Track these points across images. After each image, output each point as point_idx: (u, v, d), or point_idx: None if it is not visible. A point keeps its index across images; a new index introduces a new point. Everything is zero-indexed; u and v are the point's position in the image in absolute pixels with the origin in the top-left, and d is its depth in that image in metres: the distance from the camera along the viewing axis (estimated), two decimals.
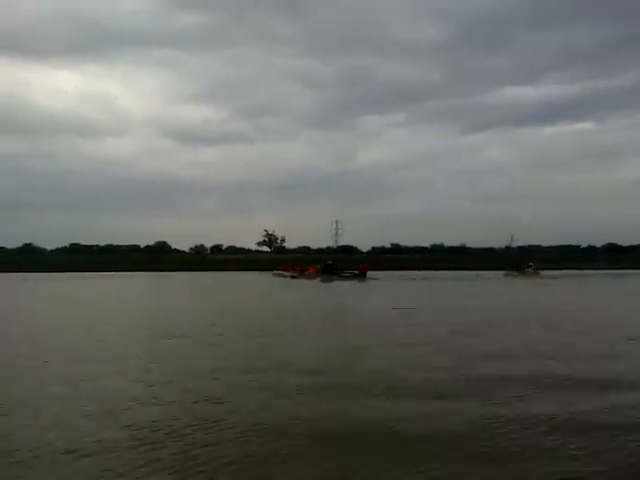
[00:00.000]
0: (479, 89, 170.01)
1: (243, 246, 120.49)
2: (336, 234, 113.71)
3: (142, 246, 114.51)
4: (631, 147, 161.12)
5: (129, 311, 20.74)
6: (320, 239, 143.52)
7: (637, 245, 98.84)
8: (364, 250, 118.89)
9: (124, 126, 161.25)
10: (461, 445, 5.51)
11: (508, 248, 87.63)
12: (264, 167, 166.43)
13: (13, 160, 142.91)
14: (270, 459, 5.15)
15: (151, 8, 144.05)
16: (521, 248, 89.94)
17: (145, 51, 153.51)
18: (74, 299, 27.62)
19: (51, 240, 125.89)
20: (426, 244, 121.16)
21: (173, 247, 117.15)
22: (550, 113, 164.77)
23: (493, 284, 40.53)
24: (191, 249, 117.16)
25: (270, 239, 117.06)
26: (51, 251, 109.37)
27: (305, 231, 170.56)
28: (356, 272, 46.16)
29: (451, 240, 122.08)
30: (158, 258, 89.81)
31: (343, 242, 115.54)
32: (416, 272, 58.34)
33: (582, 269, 66.90)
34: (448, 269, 66.39)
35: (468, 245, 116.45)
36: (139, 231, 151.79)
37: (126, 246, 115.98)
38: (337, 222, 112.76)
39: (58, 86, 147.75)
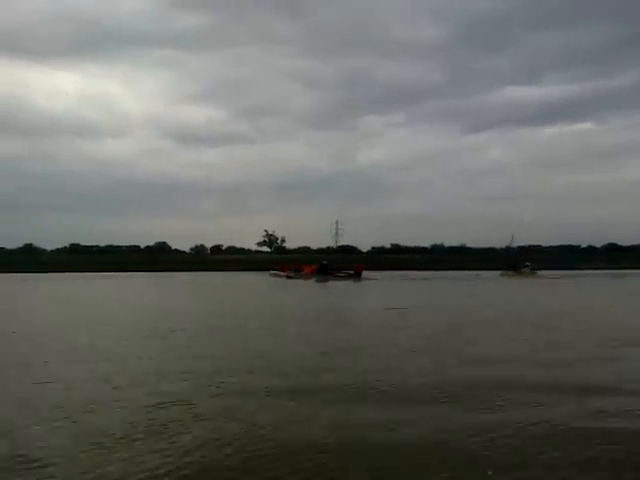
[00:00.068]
0: (479, 89, 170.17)
1: (243, 246, 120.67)
2: (336, 234, 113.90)
3: (142, 246, 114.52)
4: (631, 147, 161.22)
5: (129, 311, 20.69)
6: (320, 239, 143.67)
7: (637, 245, 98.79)
8: (364, 250, 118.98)
9: (124, 127, 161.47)
10: (439, 454, 5.27)
11: (508, 248, 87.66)
12: (264, 167, 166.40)
13: (13, 161, 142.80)
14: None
15: (151, 8, 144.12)
16: (521, 248, 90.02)
17: (145, 51, 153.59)
18: (74, 299, 27.54)
19: (51, 241, 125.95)
20: (426, 244, 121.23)
21: (173, 247, 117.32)
22: (550, 113, 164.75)
23: (488, 284, 40.43)
24: (191, 249, 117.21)
25: (270, 239, 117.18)
26: (51, 251, 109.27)
27: (305, 231, 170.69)
28: (351, 272, 46.10)
29: (451, 240, 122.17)
30: (158, 258, 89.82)
31: (343, 242, 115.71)
32: (414, 272, 58.22)
33: (582, 269, 66.91)
34: (448, 269, 66.29)
35: (468, 245, 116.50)
36: (139, 232, 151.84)
37: (126, 246, 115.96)
38: (337, 222, 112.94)
39: (58, 87, 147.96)
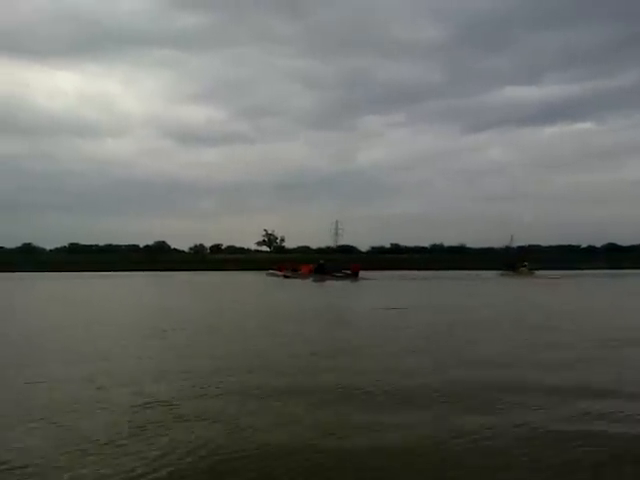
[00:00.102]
0: (479, 89, 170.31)
1: (243, 246, 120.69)
2: (336, 234, 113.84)
3: (141, 246, 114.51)
4: (631, 147, 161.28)
5: (128, 311, 20.63)
6: (320, 239, 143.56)
7: (637, 245, 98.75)
8: (363, 250, 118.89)
9: (124, 126, 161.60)
10: (423, 455, 5.16)
11: (508, 248, 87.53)
12: (264, 167, 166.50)
13: (13, 160, 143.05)
14: None
15: (151, 8, 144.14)
16: (521, 248, 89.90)
17: (145, 51, 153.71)
18: (72, 299, 27.47)
19: (50, 240, 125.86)
20: (426, 244, 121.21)
21: (172, 247, 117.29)
22: (550, 113, 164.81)
23: (486, 284, 40.33)
24: (190, 249, 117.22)
25: (269, 239, 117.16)
26: (50, 251, 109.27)
27: (305, 231, 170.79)
28: (349, 272, 46.03)
29: (451, 240, 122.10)
30: (157, 258, 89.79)
31: (343, 242, 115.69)
32: (412, 272, 58.22)
33: (581, 269, 66.86)
34: (446, 269, 66.26)
35: (468, 245, 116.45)
36: (139, 231, 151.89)
37: (125, 246, 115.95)
38: (337, 222, 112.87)
39: (58, 86, 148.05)
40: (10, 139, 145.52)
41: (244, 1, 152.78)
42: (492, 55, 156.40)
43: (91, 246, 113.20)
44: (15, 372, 8.97)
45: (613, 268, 69.38)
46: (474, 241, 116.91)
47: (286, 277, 46.92)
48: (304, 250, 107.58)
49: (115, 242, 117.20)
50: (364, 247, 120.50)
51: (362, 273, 45.95)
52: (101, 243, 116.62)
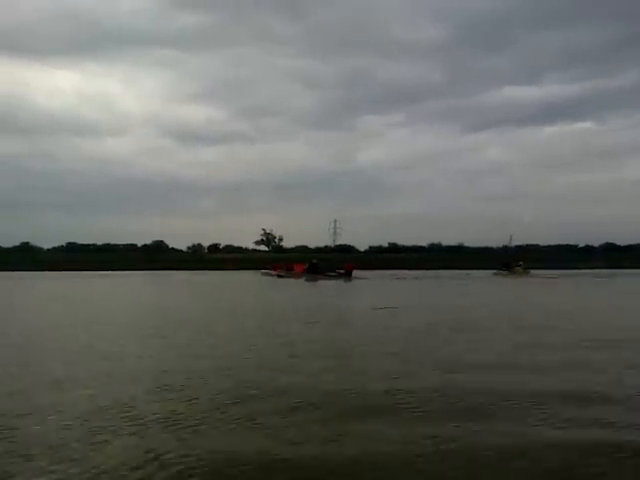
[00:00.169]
0: (479, 89, 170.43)
1: (242, 245, 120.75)
2: (334, 233, 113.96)
3: (139, 245, 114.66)
4: (631, 147, 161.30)
5: (126, 310, 20.64)
6: (319, 238, 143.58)
7: (635, 244, 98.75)
8: (361, 249, 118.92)
9: (124, 126, 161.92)
10: (380, 468, 4.98)
11: (506, 248, 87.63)
12: (264, 167, 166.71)
13: (13, 160, 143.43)
14: None
15: (151, 8, 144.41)
16: (519, 247, 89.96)
17: (145, 51, 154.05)
18: (72, 298, 27.39)
19: (49, 239, 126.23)
20: (425, 244, 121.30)
21: (171, 246, 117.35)
22: (550, 113, 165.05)
23: (479, 283, 40.22)
24: (188, 248, 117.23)
25: (268, 238, 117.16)
26: (48, 250, 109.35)
27: (305, 231, 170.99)
28: (342, 271, 46.01)
29: (450, 240, 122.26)
30: (155, 257, 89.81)
31: (342, 241, 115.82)
32: (405, 271, 58.07)
33: (579, 268, 66.81)
34: (441, 268, 66.11)
35: (466, 245, 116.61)
36: (138, 230, 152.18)
37: (123, 245, 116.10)
38: (335, 221, 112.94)
39: (58, 86, 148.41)
40: (10, 138, 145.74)
41: (244, 1, 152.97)
42: (492, 55, 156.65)
43: (89, 245, 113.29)
44: (16, 371, 9.03)
45: (611, 267, 69.28)
46: (473, 241, 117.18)
47: (280, 277, 46.90)
48: (302, 249, 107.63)
49: (114, 241, 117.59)
50: (363, 247, 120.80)
51: (356, 272, 45.90)
52: (99, 242, 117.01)
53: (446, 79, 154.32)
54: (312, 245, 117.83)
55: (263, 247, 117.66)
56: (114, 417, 6.34)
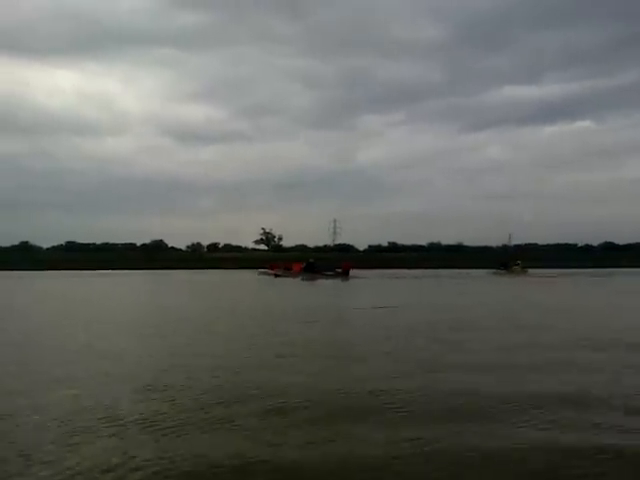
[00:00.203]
0: (479, 88, 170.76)
1: (241, 244, 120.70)
2: (334, 233, 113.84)
3: (139, 244, 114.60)
4: (630, 146, 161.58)
5: (126, 309, 20.65)
6: (319, 238, 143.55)
7: (634, 244, 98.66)
8: (361, 249, 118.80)
9: (123, 125, 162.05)
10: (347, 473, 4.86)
11: (506, 247, 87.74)
12: (264, 166, 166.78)
13: (13, 159, 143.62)
14: None
15: (151, 7, 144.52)
16: (518, 247, 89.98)
17: (145, 50, 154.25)
18: (70, 297, 27.37)
19: (49, 238, 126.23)
20: (424, 243, 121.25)
21: (170, 245, 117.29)
22: (550, 112, 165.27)
23: (477, 283, 40.18)
24: (188, 247, 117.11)
25: (267, 237, 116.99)
26: (47, 249, 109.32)
27: (305, 230, 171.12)
28: (339, 271, 45.94)
29: (450, 239, 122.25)
30: (154, 256, 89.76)
31: (342, 241, 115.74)
32: (404, 271, 58.13)
33: (578, 267, 66.72)
34: (440, 268, 66.07)
35: (465, 244, 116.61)
36: (138, 230, 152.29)
37: (122, 244, 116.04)
38: (335, 221, 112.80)
39: (58, 85, 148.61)
40: (10, 138, 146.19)
41: (244, 0, 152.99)
42: (492, 54, 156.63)
43: (88, 244, 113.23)
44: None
45: (610, 267, 69.23)
46: (473, 240, 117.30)
47: (277, 276, 46.83)
48: (301, 249, 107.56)
49: (113, 240, 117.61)
50: (362, 246, 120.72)
51: (354, 272, 45.82)
52: (98, 241, 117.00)
53: (446, 78, 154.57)
54: (312, 244, 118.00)
55: (263, 246, 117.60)
56: (95, 418, 6.25)
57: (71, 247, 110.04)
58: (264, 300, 24.99)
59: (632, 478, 4.79)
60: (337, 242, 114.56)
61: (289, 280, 42.18)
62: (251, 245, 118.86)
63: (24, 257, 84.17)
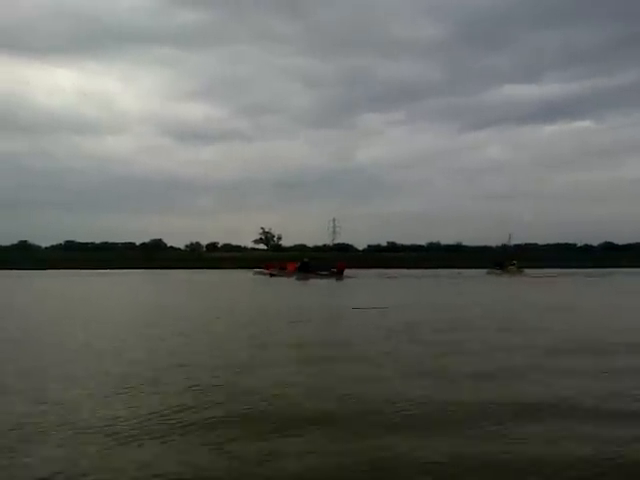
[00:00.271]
0: (479, 87, 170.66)
1: (240, 244, 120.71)
2: (333, 232, 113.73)
3: (138, 244, 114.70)
4: (630, 146, 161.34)
5: (124, 309, 20.67)
6: (318, 237, 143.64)
7: (634, 243, 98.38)
8: (360, 248, 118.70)
9: (123, 124, 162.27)
10: None
11: (505, 246, 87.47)
12: (263, 165, 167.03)
13: (13, 158, 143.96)
14: None
15: (151, 5, 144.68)
16: (518, 246, 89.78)
17: (144, 49, 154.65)
18: (69, 297, 27.37)
19: (48, 238, 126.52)
20: (423, 242, 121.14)
21: (169, 245, 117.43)
22: (550, 112, 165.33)
23: (471, 282, 40.07)
24: (186, 247, 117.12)
25: (267, 237, 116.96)
26: (45, 248, 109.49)
27: (304, 229, 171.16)
28: (334, 270, 45.93)
29: (449, 238, 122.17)
30: (153, 256, 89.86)
31: (341, 240, 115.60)
32: (403, 271, 58.09)
33: (577, 268, 66.55)
34: (438, 267, 65.98)
35: (465, 243, 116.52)
36: (137, 229, 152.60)
37: (122, 243, 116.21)
38: (334, 220, 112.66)
39: (58, 84, 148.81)
40: (10, 136, 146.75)
41: (244, 0, 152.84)
42: (492, 53, 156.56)
43: (87, 244, 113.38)
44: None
45: (610, 267, 69.04)
46: (472, 239, 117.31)
47: (272, 275, 46.79)
48: (301, 248, 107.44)
49: (112, 240, 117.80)
50: (362, 246, 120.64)
51: (350, 272, 45.82)
52: (97, 241, 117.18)
53: (446, 77, 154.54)
54: (311, 244, 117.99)
55: (262, 246, 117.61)
56: (48, 423, 6.11)
57: (70, 246, 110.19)
58: (254, 301, 24.88)
59: None
60: (336, 242, 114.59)
61: (284, 280, 42.12)
62: (250, 245, 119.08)
63: (23, 256, 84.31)
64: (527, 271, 55.50)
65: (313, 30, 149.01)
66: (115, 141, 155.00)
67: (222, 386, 7.85)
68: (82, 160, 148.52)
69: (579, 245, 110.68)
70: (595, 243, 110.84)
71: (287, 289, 33.80)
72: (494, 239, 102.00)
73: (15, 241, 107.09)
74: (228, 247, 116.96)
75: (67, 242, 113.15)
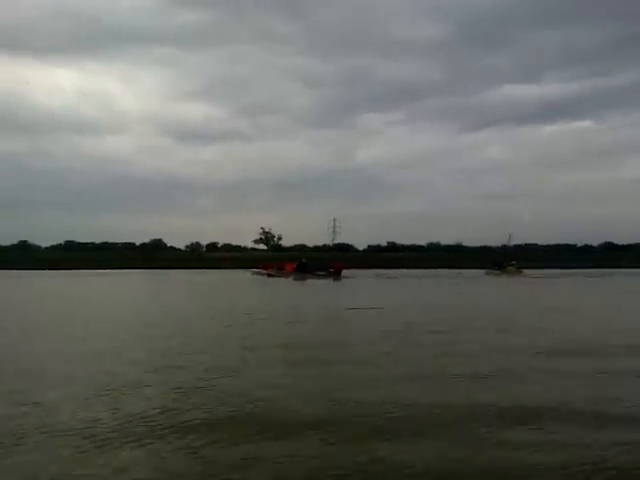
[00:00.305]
0: (479, 87, 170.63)
1: (240, 244, 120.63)
2: (333, 232, 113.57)
3: (138, 244, 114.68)
4: (630, 146, 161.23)
5: (124, 309, 20.62)
6: (318, 237, 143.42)
7: (634, 244, 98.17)
8: (360, 248, 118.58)
9: (123, 124, 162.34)
10: None
11: (505, 247, 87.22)
12: (263, 165, 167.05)
13: (13, 158, 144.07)
14: None
15: (151, 5, 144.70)
16: (517, 247, 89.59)
17: (144, 49, 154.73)
18: (69, 297, 27.29)
19: (47, 238, 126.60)
20: (423, 242, 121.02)
21: (169, 245, 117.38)
22: (550, 112, 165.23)
23: (469, 283, 39.90)
24: (186, 247, 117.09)
25: (267, 237, 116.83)
26: (45, 248, 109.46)
27: (304, 229, 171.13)
28: (331, 270, 45.75)
29: (449, 239, 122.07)
30: (153, 256, 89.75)
31: (341, 240, 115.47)
32: (403, 271, 57.98)
33: (577, 268, 66.39)
34: (440, 267, 65.83)
35: (465, 244, 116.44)
36: (137, 229, 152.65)
37: (122, 244, 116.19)
38: (334, 220, 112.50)
39: (58, 84, 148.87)
40: (10, 136, 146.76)
41: (244, 0, 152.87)
42: (492, 53, 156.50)
43: (87, 244, 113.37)
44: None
45: (610, 267, 68.82)
46: (472, 240, 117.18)
47: (270, 276, 46.67)
48: (301, 248, 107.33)
49: (112, 240, 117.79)
50: (362, 246, 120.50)
51: (348, 272, 45.71)
52: (97, 241, 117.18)
53: (446, 77, 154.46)
54: (311, 244, 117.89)
55: (262, 246, 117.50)
56: (27, 425, 5.97)
57: (70, 246, 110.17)
58: (250, 301, 24.74)
59: None
60: (337, 242, 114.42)
61: (281, 280, 42.02)
62: (250, 245, 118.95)
63: (23, 256, 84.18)
64: (526, 271, 55.34)
65: (313, 30, 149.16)
66: (115, 141, 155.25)
67: (209, 388, 7.71)
68: (82, 160, 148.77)
69: (579, 245, 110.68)
70: (595, 243, 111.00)
71: (284, 289, 33.66)
72: (494, 239, 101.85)
73: (15, 241, 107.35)
74: (228, 247, 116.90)
75: (67, 242, 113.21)
